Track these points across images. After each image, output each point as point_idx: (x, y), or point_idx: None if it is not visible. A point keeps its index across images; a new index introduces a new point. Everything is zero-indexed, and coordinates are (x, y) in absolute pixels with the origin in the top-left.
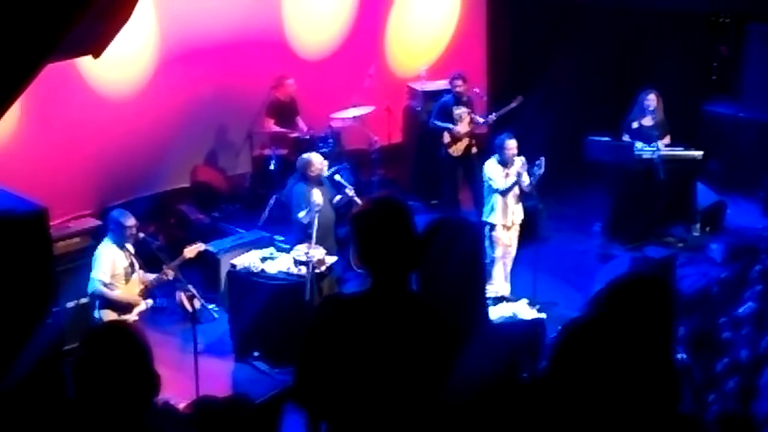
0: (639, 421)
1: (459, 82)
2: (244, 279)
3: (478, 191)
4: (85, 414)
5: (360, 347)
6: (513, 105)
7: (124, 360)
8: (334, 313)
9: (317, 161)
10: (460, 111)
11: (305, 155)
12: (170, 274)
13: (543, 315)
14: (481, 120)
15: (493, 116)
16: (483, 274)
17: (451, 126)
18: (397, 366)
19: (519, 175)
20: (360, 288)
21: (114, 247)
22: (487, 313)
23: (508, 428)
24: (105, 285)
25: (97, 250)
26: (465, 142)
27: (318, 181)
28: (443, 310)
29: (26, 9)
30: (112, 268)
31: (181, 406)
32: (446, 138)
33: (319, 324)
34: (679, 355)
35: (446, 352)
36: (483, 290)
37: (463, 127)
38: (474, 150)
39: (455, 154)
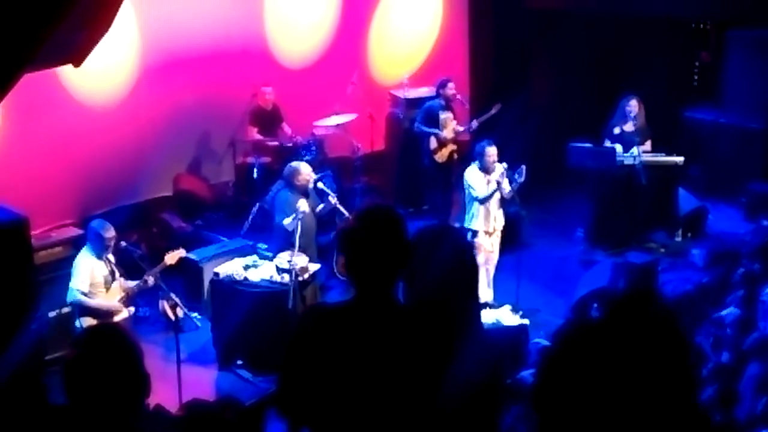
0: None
1: (451, 85)
2: (227, 287)
3: (459, 198)
4: (76, 416)
5: (344, 357)
6: (493, 112)
7: (115, 360)
8: (318, 322)
9: (305, 171)
10: (445, 116)
11: (294, 163)
12: (151, 281)
13: (526, 321)
14: (461, 128)
15: (474, 123)
16: (473, 281)
17: (437, 131)
18: (382, 376)
19: (499, 183)
20: (343, 296)
21: (92, 257)
22: (479, 320)
23: None
24: (84, 294)
25: (75, 260)
26: (449, 147)
27: (303, 191)
28: (430, 319)
29: (3, 18)
30: (91, 277)
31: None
32: (433, 143)
33: (303, 333)
34: None
35: (433, 362)
36: (475, 296)
37: (448, 133)
38: (455, 156)
39: (440, 161)
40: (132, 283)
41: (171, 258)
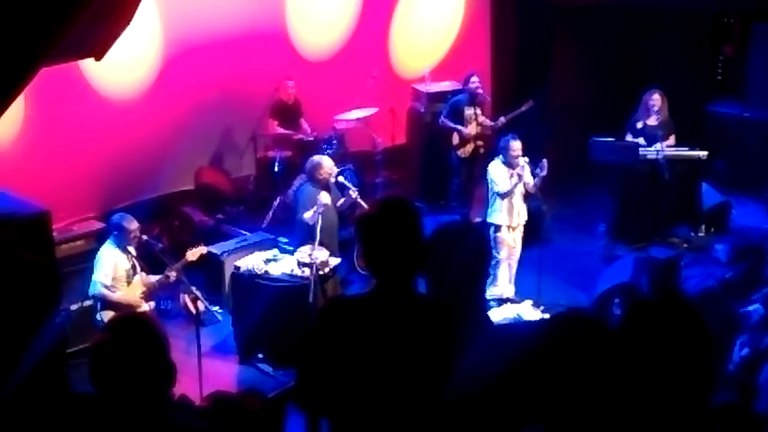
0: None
1: (474, 79)
2: (247, 281)
3: (483, 192)
4: (103, 404)
5: (363, 349)
6: (523, 109)
7: (144, 348)
8: (338, 314)
9: (327, 165)
10: (470, 112)
11: (316, 157)
12: (173, 277)
13: (547, 316)
14: (489, 123)
15: (502, 119)
16: (484, 276)
17: (460, 127)
18: (400, 367)
19: (520, 176)
20: (364, 289)
21: (116, 250)
22: (487, 314)
23: (513, 426)
24: (106, 287)
25: (98, 253)
26: (473, 143)
27: (325, 185)
28: (447, 311)
29: (21, 10)
30: (114, 270)
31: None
32: (455, 139)
33: (322, 325)
34: None
35: (449, 353)
36: (483, 291)
37: (472, 129)
38: (481, 151)
39: (463, 156)
40: (154, 278)
41: (192, 255)
